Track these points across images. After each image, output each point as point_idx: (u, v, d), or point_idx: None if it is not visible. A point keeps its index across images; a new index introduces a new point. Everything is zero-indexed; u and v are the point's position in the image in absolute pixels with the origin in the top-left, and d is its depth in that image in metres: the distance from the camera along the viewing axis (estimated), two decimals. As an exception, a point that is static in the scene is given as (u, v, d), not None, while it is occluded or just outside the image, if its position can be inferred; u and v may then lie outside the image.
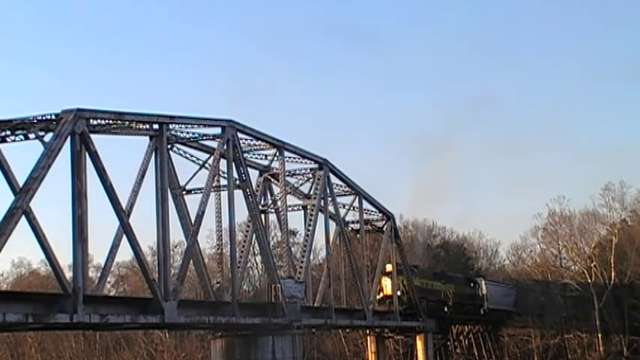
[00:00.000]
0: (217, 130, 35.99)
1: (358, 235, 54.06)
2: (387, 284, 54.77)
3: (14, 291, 60.57)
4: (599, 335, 69.35)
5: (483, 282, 69.51)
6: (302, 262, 43.05)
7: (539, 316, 72.28)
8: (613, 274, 70.68)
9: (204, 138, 36.56)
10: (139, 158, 32.24)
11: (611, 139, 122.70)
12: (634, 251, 71.15)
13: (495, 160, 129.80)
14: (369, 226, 55.49)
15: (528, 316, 71.81)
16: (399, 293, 54.60)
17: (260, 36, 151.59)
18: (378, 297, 53.81)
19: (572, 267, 77.10)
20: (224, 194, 38.13)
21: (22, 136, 27.34)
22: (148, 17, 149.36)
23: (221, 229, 40.49)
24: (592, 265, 71.56)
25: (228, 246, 38.17)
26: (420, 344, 59.10)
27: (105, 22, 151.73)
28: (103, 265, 35.43)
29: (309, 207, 46.22)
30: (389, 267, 54.95)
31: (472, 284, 68.69)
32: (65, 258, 28.96)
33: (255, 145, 40.93)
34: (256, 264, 79.90)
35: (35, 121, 27.19)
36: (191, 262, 36.38)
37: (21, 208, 24.38)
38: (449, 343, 71.51)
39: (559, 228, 77.04)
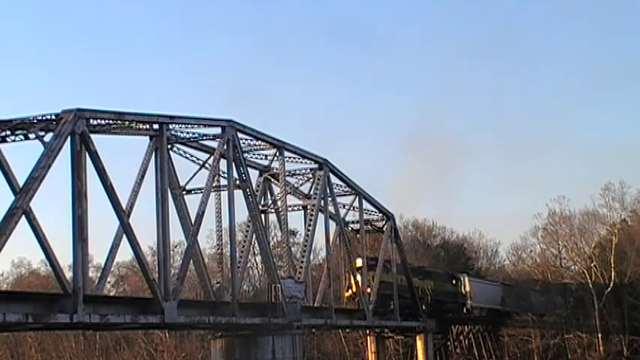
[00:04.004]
0: (217, 130, 35.96)
1: (358, 235, 53.92)
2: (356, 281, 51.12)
3: (14, 291, 60.58)
4: (599, 335, 69.35)
5: (466, 278, 67.17)
6: (302, 262, 43.02)
7: (539, 315, 72.34)
8: (613, 274, 70.65)
9: (204, 138, 36.52)
10: (139, 158, 32.24)
11: (611, 139, 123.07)
12: (634, 251, 71.16)
13: (495, 160, 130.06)
14: (369, 226, 55.35)
15: (527, 316, 71.82)
16: (368, 290, 50.67)
17: (260, 36, 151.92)
18: (346, 294, 51.41)
19: (572, 267, 77.15)
20: (224, 194, 38.10)
21: (22, 136, 27.30)
22: (148, 17, 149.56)
23: (221, 229, 40.47)
24: (592, 265, 71.55)
25: (228, 246, 38.13)
26: (420, 344, 58.98)
27: (105, 23, 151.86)
28: (103, 265, 35.43)
29: (309, 207, 46.19)
30: (359, 262, 50.51)
31: (454, 281, 66.15)
32: (65, 258, 28.98)
33: (255, 145, 40.90)
34: (256, 264, 79.90)
35: (35, 121, 27.17)
36: (191, 262, 36.35)
37: (21, 208, 24.36)
38: (449, 343, 71.37)
39: (559, 228, 77.04)
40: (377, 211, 54.81)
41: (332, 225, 48.72)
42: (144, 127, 31.93)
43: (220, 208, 39.54)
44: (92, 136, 27.67)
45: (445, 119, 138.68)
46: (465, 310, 66.51)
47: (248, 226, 41.72)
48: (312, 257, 59.90)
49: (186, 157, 37.70)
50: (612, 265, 70.85)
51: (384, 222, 55.95)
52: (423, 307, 58.54)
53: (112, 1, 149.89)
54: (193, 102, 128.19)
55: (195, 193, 36.69)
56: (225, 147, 35.78)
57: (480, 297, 67.96)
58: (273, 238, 64.67)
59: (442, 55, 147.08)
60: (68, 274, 30.35)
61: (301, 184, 46.92)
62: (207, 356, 53.82)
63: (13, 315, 24.09)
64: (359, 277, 50.00)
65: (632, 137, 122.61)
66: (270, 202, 46.01)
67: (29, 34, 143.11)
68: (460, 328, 73.44)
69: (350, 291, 51.44)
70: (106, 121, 29.48)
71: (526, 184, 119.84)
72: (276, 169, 43.25)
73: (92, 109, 28.10)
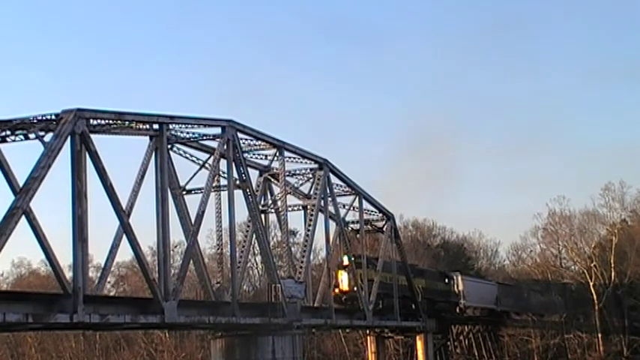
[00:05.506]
0: (217, 130, 35.97)
1: (358, 235, 53.88)
2: (343, 279, 50.03)
3: (14, 291, 60.55)
4: (599, 335, 69.45)
5: (460, 277, 65.64)
6: (302, 262, 43.03)
7: (539, 315, 72.36)
8: (613, 274, 70.76)
9: (204, 138, 36.54)
10: (139, 158, 32.27)
11: (611, 139, 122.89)
12: (634, 251, 71.26)
13: (495, 160, 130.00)
14: (369, 226, 55.30)
15: (527, 316, 71.81)
16: (355, 289, 48.91)
17: (259, 36, 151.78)
18: (332, 293, 49.39)
19: (572, 267, 77.29)
20: (224, 194, 38.12)
21: (22, 136, 27.32)
22: (148, 17, 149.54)
23: (221, 229, 40.49)
24: (592, 265, 71.63)
25: (228, 246, 38.15)
26: (420, 344, 58.93)
27: (105, 22, 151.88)
28: (103, 265, 35.46)
29: (309, 207, 46.19)
30: (346, 260, 49.70)
31: (447, 280, 64.71)
32: (65, 258, 29.00)
33: (255, 145, 40.91)
34: (256, 264, 79.94)
35: (35, 121, 27.19)
36: (191, 262, 36.36)
37: (21, 208, 24.38)
38: (449, 343, 71.30)
39: (559, 228, 77.19)
40: (377, 211, 54.76)
41: (332, 225, 48.75)
42: (144, 127, 31.94)
43: (220, 208, 39.55)
44: (92, 136, 27.69)
45: (445, 119, 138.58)
46: (457, 310, 65.55)
47: (248, 226, 41.73)
48: (312, 257, 59.87)
49: (186, 157, 37.71)
50: (612, 265, 70.94)
51: (384, 222, 55.87)
52: (413, 306, 57.36)
53: (112, 0, 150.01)
54: (193, 102, 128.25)
55: (195, 193, 36.70)
56: (225, 147, 35.78)
57: (473, 296, 66.78)
58: (273, 238, 64.67)
59: (442, 55, 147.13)
60: (68, 274, 30.37)
61: (301, 184, 46.97)
62: (207, 356, 53.82)
63: (13, 315, 24.11)
64: (345, 276, 49.76)
65: (632, 137, 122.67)
66: (270, 202, 46.00)
67: (29, 34, 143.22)
68: (460, 328, 73.33)
69: (337, 289, 50.38)
70: (106, 121, 29.50)
71: (526, 184, 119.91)
72: (276, 169, 43.25)
73: (92, 109, 28.12)
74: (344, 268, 50.36)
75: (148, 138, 32.24)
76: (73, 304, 25.66)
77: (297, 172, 45.47)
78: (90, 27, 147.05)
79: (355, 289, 49.22)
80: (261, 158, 43.24)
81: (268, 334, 37.61)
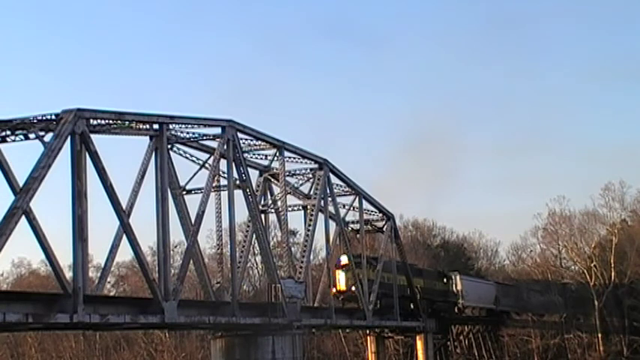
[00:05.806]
0: (217, 130, 35.98)
1: (358, 235, 53.88)
2: (340, 279, 50.62)
3: (14, 291, 60.53)
4: (599, 335, 69.49)
5: (458, 277, 65.53)
6: (302, 262, 43.04)
7: (539, 315, 72.38)
8: (613, 274, 70.77)
9: (205, 138, 36.55)
10: (139, 158, 32.27)
11: (611, 139, 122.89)
12: (634, 251, 71.27)
13: (495, 160, 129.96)
14: (369, 226, 55.32)
15: (527, 316, 71.82)
16: (353, 288, 49.11)
17: (259, 36, 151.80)
18: (331, 292, 49.37)
19: (572, 267, 77.30)
20: (224, 194, 38.13)
21: (22, 136, 27.33)
22: (148, 17, 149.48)
23: (221, 229, 40.48)
24: (592, 265, 71.64)
25: (228, 246, 38.17)
26: (420, 344, 58.97)
27: (105, 22, 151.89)
28: (103, 265, 35.46)
29: (309, 207, 46.20)
30: (344, 259, 50.32)
31: (445, 279, 64.64)
32: (65, 258, 28.98)
33: (255, 145, 40.92)
34: (256, 264, 79.91)
35: (35, 121, 27.19)
36: (191, 262, 36.37)
37: (21, 208, 24.36)
38: (449, 343, 71.30)
39: (559, 228, 77.20)
40: (377, 211, 54.78)
41: (332, 225, 48.77)
42: (144, 127, 31.93)
43: (220, 208, 39.56)
44: (92, 136, 27.69)
45: (445, 118, 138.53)
46: (456, 309, 65.52)
47: (248, 226, 41.74)
48: (312, 257, 59.88)
49: (186, 157, 37.74)
50: (612, 265, 70.95)
51: (384, 222, 55.91)
52: (411, 306, 57.21)
53: (112, 0, 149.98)
54: (193, 102, 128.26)
55: (195, 193, 36.71)
56: (225, 147, 35.79)
57: (472, 296, 66.73)
58: (273, 238, 64.62)
59: (442, 55, 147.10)
60: (68, 274, 30.34)
61: (301, 184, 46.99)
62: (207, 356, 53.83)
63: (13, 315, 24.10)
64: (343, 275, 49.97)
65: (632, 137, 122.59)
66: (270, 202, 46.01)
67: (29, 34, 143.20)
68: (460, 328, 73.33)
69: (334, 289, 50.34)
70: (106, 121, 29.48)
71: (526, 184, 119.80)
72: (276, 169, 43.26)
73: (92, 109, 28.11)
74: (342, 267, 50.62)
75: (148, 138, 32.22)
76: (73, 304, 25.66)
77: (297, 172, 45.48)
78: (90, 27, 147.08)
79: (353, 288, 49.29)
80: (261, 158, 43.31)
81: (268, 334, 37.62)
